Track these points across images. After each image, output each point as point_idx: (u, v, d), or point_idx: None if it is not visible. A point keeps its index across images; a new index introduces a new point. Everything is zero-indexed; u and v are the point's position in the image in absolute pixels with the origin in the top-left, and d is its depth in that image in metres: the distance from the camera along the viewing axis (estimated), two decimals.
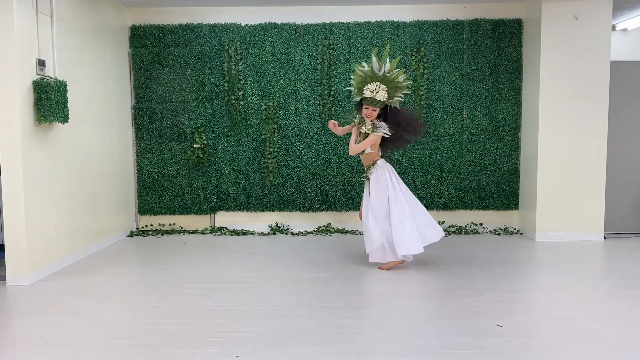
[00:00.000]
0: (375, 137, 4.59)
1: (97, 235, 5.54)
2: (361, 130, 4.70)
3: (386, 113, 4.63)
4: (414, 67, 6.25)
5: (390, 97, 4.58)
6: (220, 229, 6.48)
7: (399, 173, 6.29)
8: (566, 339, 3.17)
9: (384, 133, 4.57)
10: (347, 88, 5.41)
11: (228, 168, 6.42)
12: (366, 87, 4.56)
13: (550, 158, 5.84)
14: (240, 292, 4.11)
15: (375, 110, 4.60)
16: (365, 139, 4.62)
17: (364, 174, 4.82)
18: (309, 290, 4.18)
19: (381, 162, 4.73)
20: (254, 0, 6.09)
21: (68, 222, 4.96)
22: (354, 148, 4.67)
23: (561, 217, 5.87)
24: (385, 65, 4.58)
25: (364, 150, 4.70)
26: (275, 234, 6.40)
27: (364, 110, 4.64)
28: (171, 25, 6.31)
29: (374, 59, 4.61)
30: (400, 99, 4.68)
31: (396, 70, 4.64)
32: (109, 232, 5.84)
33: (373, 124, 4.63)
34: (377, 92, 4.53)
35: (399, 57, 5.07)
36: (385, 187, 4.65)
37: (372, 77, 4.57)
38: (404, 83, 4.64)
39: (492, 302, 3.83)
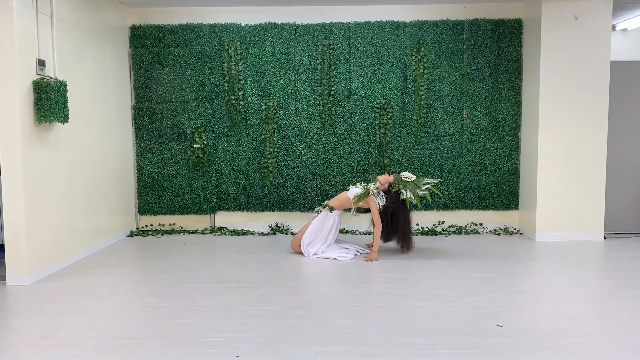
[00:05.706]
0: (370, 199, 5.15)
1: (97, 235, 5.54)
2: (365, 187, 5.23)
3: (391, 194, 5.18)
4: (414, 67, 6.25)
5: (405, 185, 5.18)
6: (220, 229, 6.48)
7: (399, 173, 6.32)
8: (566, 339, 3.17)
9: (378, 201, 5.14)
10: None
11: (228, 168, 6.43)
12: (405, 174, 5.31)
13: (550, 158, 5.84)
14: (240, 292, 4.11)
15: (388, 181, 5.21)
16: (364, 200, 5.19)
17: (322, 207, 5.34)
18: (309, 290, 4.19)
19: (337, 213, 5.29)
20: (254, 0, 6.09)
21: (68, 222, 4.96)
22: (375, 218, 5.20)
23: (561, 217, 5.87)
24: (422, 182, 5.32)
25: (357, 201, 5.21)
26: (275, 234, 6.40)
27: (385, 177, 5.27)
28: (171, 25, 6.31)
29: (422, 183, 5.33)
30: (408, 198, 5.13)
31: (424, 187, 5.29)
32: (109, 232, 5.84)
33: (378, 190, 5.21)
34: (406, 177, 5.23)
35: (433, 186, 5.47)
36: (326, 227, 5.26)
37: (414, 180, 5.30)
38: (420, 189, 5.23)
39: (492, 302, 3.84)
